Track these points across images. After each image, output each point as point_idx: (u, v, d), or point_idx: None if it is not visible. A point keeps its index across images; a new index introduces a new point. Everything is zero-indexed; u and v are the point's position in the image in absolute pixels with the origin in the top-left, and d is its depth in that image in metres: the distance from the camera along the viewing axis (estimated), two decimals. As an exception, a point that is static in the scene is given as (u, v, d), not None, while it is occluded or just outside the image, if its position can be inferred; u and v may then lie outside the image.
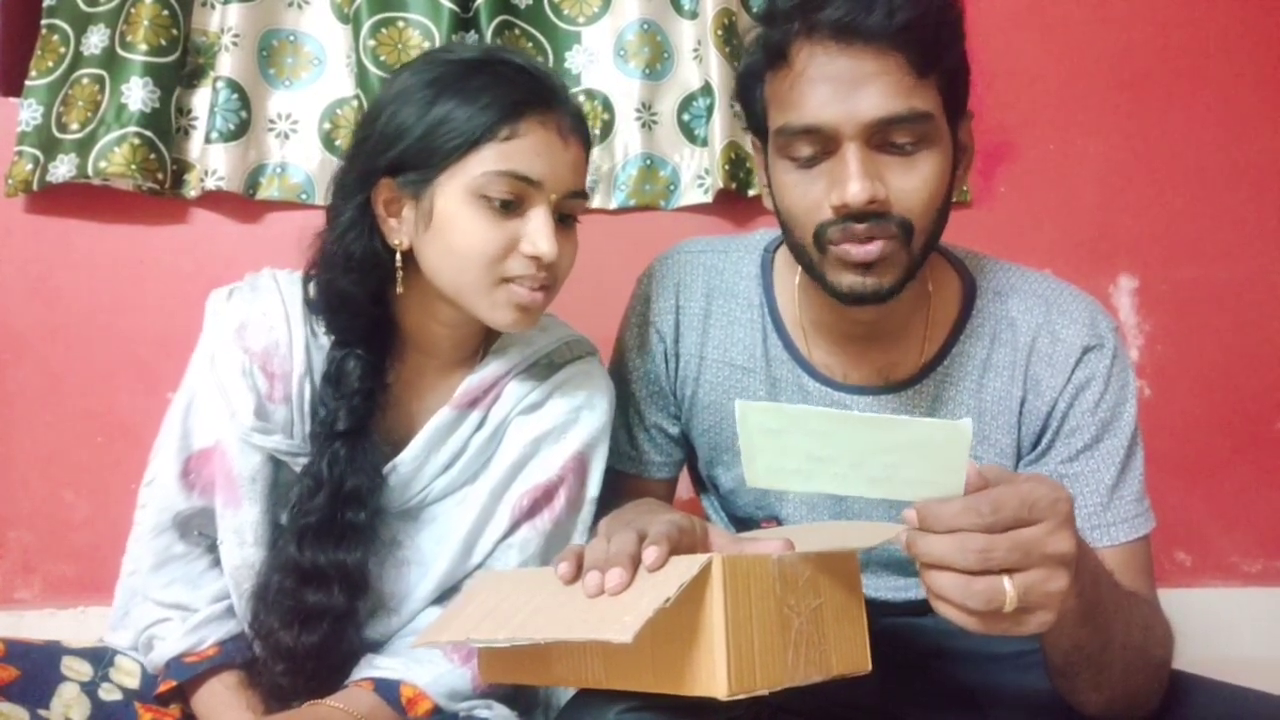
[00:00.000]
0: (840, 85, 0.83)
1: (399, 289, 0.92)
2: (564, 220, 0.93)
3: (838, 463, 0.66)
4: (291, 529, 0.93)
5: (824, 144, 0.85)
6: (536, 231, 0.88)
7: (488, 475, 0.98)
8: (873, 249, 0.85)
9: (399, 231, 0.91)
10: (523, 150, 0.87)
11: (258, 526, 0.94)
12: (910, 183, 0.84)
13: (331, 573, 0.91)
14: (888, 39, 0.81)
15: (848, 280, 0.87)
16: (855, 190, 0.82)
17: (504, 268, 0.89)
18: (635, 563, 0.69)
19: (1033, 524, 0.61)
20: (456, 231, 0.88)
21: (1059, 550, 0.62)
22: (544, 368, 1.01)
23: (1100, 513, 0.93)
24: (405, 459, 0.96)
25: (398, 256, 0.92)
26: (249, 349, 0.94)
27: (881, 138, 0.83)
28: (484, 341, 1.02)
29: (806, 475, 0.67)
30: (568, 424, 0.99)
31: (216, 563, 0.97)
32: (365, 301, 0.93)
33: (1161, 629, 0.84)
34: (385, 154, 0.89)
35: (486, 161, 0.87)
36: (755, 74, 0.91)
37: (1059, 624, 0.65)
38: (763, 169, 0.96)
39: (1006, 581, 0.61)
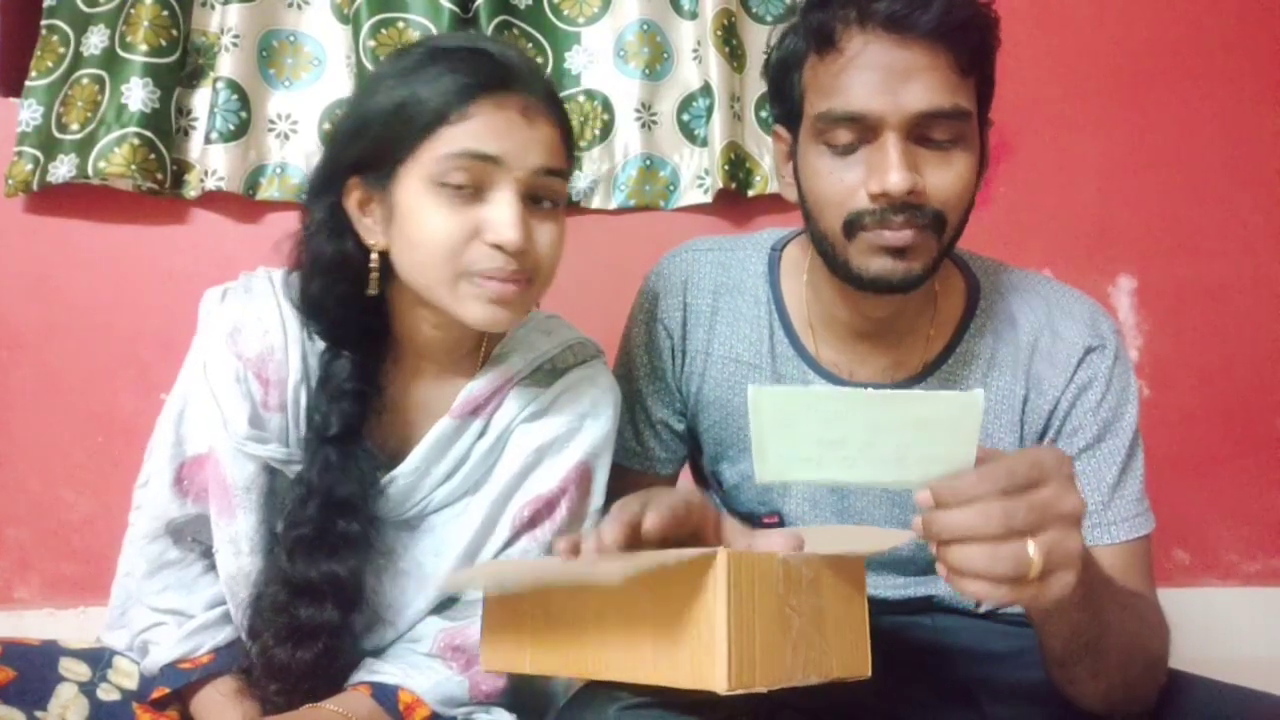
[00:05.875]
0: (890, 76, 0.84)
1: (371, 290, 0.89)
2: (539, 202, 0.87)
3: (848, 445, 0.66)
4: (284, 540, 0.90)
5: (864, 133, 0.86)
6: (499, 216, 0.83)
7: (489, 486, 0.95)
8: (906, 234, 0.85)
9: (374, 231, 0.88)
10: (478, 130, 0.83)
11: (253, 536, 0.91)
12: (946, 178, 0.86)
13: (324, 586, 0.89)
14: (940, 36, 0.83)
15: (877, 265, 0.87)
16: (897, 180, 0.83)
17: (467, 259, 0.84)
18: (635, 525, 0.70)
19: (1043, 485, 0.62)
20: (416, 223, 0.84)
21: (1071, 508, 0.63)
22: (547, 373, 0.98)
23: (1101, 511, 0.93)
24: (405, 470, 0.93)
25: (373, 257, 0.89)
26: (242, 355, 0.91)
27: (922, 131, 0.85)
28: (485, 347, 0.98)
29: (817, 462, 0.67)
30: (571, 433, 0.96)
31: (212, 568, 0.94)
32: (336, 306, 0.90)
33: (1159, 625, 0.84)
34: (348, 150, 0.87)
35: (440, 145, 0.82)
36: (795, 60, 0.92)
37: (1059, 607, 0.66)
38: (785, 159, 0.96)
39: (1030, 545, 0.61)
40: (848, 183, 0.87)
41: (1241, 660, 1.18)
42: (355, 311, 0.91)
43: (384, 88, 0.86)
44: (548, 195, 0.88)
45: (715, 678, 0.64)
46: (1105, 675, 0.78)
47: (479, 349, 0.98)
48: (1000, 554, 0.61)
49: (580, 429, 0.96)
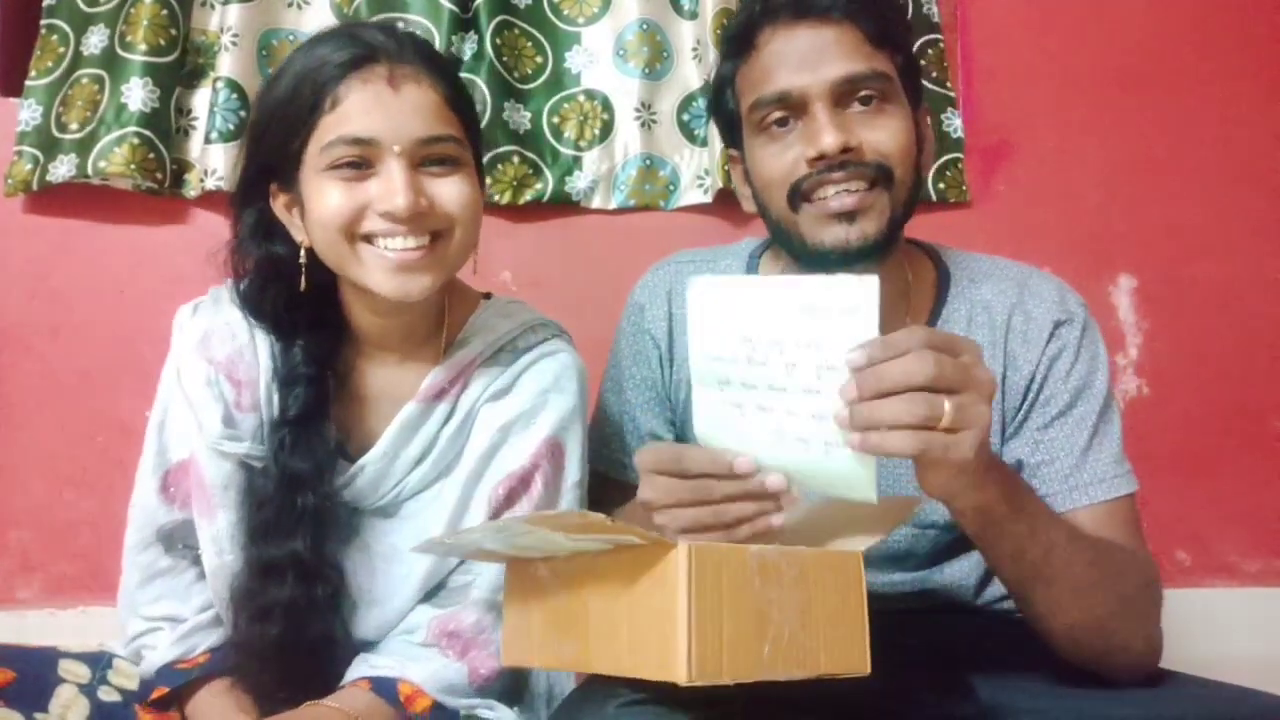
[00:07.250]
0: (806, 54, 0.91)
1: (303, 287, 0.92)
2: (440, 165, 0.89)
3: (770, 354, 0.72)
4: (253, 527, 0.93)
5: (793, 110, 0.91)
6: (384, 187, 0.86)
7: (460, 467, 0.97)
8: (850, 200, 0.89)
9: (300, 228, 0.91)
10: (348, 113, 0.85)
11: (233, 534, 0.93)
12: (880, 134, 0.91)
13: (285, 562, 0.91)
14: (845, 14, 0.91)
15: (829, 234, 0.90)
16: (829, 140, 0.88)
17: (360, 226, 0.87)
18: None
19: (963, 354, 0.68)
20: (316, 208, 0.87)
21: (987, 378, 0.68)
22: (508, 354, 1.00)
23: (1075, 474, 0.95)
24: (373, 456, 0.95)
25: (301, 253, 0.91)
26: (213, 359, 0.94)
27: (848, 97, 0.91)
28: (447, 334, 1.00)
29: (745, 364, 0.73)
30: (536, 409, 0.97)
31: (204, 575, 0.96)
32: (274, 304, 0.94)
33: (1135, 567, 0.87)
34: (256, 154, 0.91)
35: (322, 136, 0.86)
36: (726, 79, 0.99)
37: (990, 506, 0.75)
38: (743, 180, 1.02)
39: (946, 401, 0.66)
40: (788, 159, 0.92)
41: (1240, 660, 1.18)
42: (296, 307, 0.94)
43: (273, 87, 0.90)
44: (439, 158, 0.89)
45: (676, 668, 0.65)
46: (1061, 608, 0.82)
47: (438, 335, 1.00)
48: (918, 400, 0.65)
49: (545, 404, 0.98)
